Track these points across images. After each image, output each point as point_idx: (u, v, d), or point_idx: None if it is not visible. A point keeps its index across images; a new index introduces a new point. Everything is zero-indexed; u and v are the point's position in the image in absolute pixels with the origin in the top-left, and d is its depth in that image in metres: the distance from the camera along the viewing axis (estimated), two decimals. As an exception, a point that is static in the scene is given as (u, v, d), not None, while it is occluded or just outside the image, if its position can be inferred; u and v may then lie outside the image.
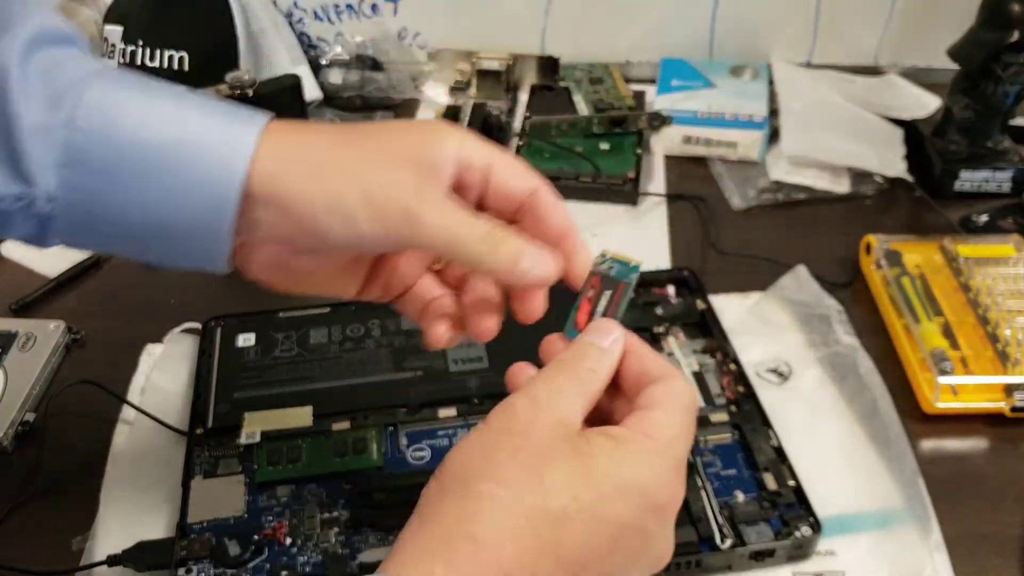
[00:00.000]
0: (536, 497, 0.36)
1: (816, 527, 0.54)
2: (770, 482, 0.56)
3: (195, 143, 0.40)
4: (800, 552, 0.54)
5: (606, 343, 0.42)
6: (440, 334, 0.46)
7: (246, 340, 0.67)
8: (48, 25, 0.41)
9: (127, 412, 0.64)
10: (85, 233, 0.42)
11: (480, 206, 0.44)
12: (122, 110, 0.40)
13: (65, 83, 0.40)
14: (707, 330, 0.68)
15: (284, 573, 0.52)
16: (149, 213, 0.40)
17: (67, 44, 0.42)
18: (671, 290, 0.72)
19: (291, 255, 0.45)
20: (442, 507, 0.36)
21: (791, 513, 0.54)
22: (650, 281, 0.72)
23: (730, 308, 0.72)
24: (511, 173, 0.44)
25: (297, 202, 0.40)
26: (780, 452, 0.58)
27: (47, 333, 0.69)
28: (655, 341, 0.68)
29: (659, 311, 0.70)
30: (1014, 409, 0.63)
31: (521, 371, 0.43)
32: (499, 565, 0.34)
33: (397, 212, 0.40)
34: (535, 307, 0.45)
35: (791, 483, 0.56)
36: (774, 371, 0.67)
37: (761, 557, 0.54)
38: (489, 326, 0.46)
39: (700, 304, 0.70)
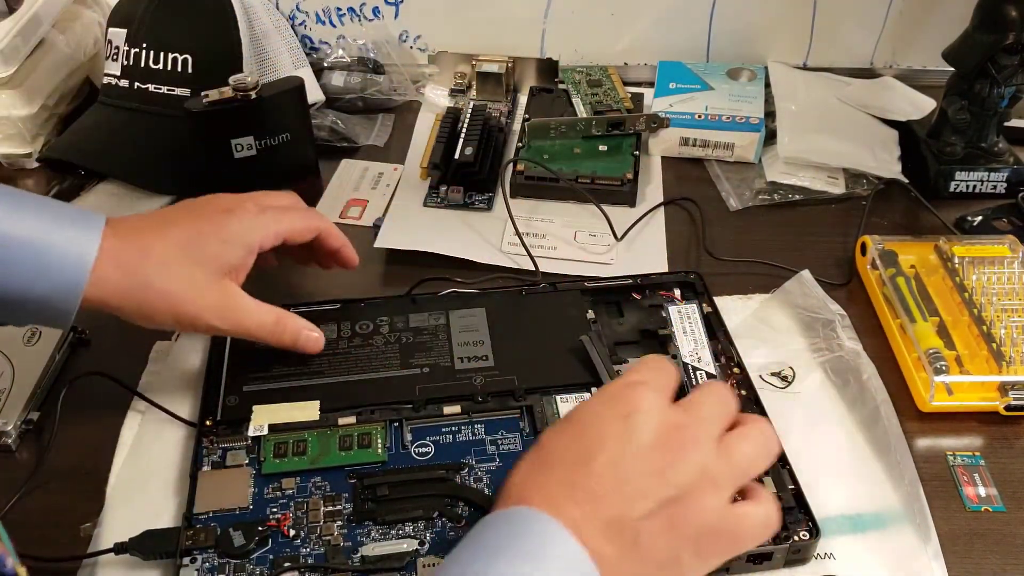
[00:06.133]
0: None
1: (814, 532, 0.54)
2: (769, 486, 0.57)
3: (50, 242, 0.54)
4: (798, 556, 0.55)
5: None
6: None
7: None
8: None
9: (136, 404, 0.65)
10: None
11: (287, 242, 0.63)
12: None
13: None
14: (711, 333, 0.68)
15: (287, 564, 0.53)
16: (13, 292, 0.53)
17: None
18: (677, 293, 0.72)
19: None
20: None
21: (790, 517, 0.55)
22: (656, 284, 0.73)
23: (733, 310, 0.72)
24: (300, 228, 0.64)
25: (124, 311, 0.57)
26: (781, 456, 0.59)
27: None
28: (661, 344, 0.68)
29: (665, 314, 0.70)
30: (1008, 408, 0.63)
31: None
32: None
33: (203, 326, 0.59)
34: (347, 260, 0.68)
35: (791, 487, 0.57)
36: (777, 375, 0.68)
37: (759, 560, 0.54)
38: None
39: (706, 307, 0.70)
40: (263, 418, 0.61)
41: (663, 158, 0.93)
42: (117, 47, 0.91)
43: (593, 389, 0.63)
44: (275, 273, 0.78)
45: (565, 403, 0.62)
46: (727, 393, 0.49)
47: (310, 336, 0.63)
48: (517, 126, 0.95)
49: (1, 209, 0.53)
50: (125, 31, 0.90)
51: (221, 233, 0.59)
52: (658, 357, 0.51)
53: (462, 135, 0.88)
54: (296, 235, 0.63)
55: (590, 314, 0.70)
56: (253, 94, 0.79)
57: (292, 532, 0.54)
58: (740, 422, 0.48)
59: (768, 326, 0.72)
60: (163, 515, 0.58)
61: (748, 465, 0.47)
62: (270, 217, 0.62)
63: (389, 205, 0.86)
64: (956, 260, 0.73)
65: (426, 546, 0.54)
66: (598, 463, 0.44)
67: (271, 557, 0.53)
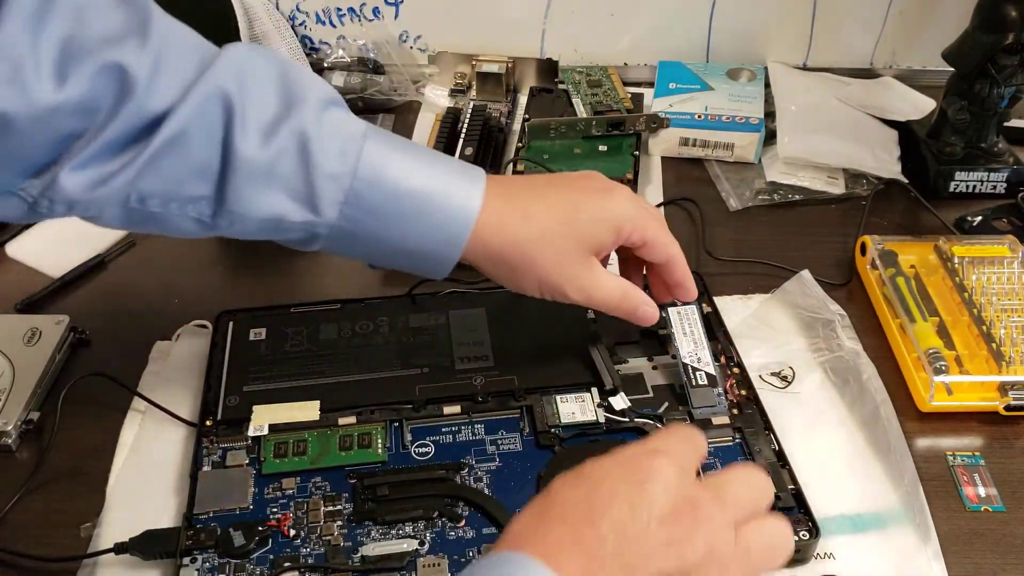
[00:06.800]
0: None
1: (814, 532, 0.54)
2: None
3: (440, 194, 0.53)
4: (798, 556, 0.55)
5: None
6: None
7: (257, 334, 0.68)
8: (326, 93, 0.52)
9: (136, 404, 0.65)
10: (343, 248, 0.54)
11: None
12: (389, 166, 0.52)
13: (346, 139, 0.52)
14: (711, 333, 0.68)
15: (287, 564, 0.53)
16: (399, 242, 0.54)
17: (339, 106, 0.53)
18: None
19: None
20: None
21: (790, 517, 0.54)
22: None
23: (732, 310, 0.72)
24: (661, 242, 0.60)
25: (491, 271, 0.57)
26: (781, 456, 0.59)
27: (52, 328, 0.70)
28: (661, 344, 0.68)
29: (664, 314, 0.70)
30: (1008, 408, 0.63)
31: None
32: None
33: (559, 295, 0.57)
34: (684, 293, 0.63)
35: (791, 487, 0.57)
36: (777, 375, 0.68)
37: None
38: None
39: (706, 307, 0.70)
40: (263, 418, 0.61)
41: (663, 158, 0.93)
42: (117, 47, 0.91)
43: (593, 389, 0.64)
44: (275, 272, 0.78)
45: (565, 403, 0.62)
46: (761, 482, 0.46)
47: (647, 311, 0.61)
48: (517, 126, 0.95)
49: (399, 161, 0.53)
50: (125, 31, 0.90)
51: (598, 210, 0.58)
52: (686, 427, 0.47)
53: (462, 135, 0.88)
54: (655, 247, 0.60)
55: (590, 314, 0.69)
56: (253, 94, 0.79)
57: (292, 532, 0.55)
58: (763, 516, 0.45)
59: (768, 326, 0.72)
60: (163, 515, 0.58)
61: (760, 560, 0.44)
62: (647, 213, 0.60)
63: (389, 205, 0.86)
64: (956, 260, 0.73)
65: (426, 546, 0.54)
66: (604, 525, 0.42)
67: (271, 557, 0.53)
